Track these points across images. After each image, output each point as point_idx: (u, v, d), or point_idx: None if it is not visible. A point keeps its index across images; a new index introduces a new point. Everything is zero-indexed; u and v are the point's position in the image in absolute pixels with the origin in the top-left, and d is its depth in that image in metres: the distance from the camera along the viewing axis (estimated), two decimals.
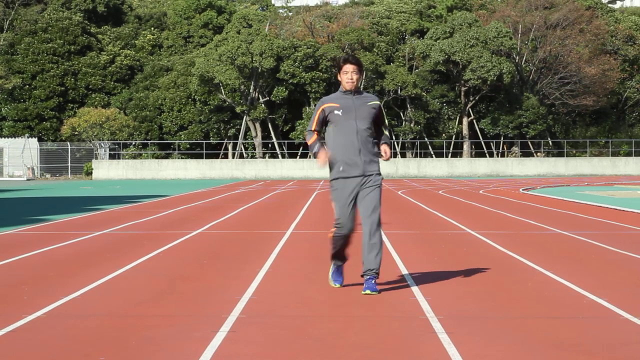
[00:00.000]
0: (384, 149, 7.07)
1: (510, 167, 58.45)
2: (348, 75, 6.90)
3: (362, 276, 6.84)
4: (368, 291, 6.75)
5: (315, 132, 7.00)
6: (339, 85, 7.06)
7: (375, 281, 6.79)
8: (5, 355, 4.77)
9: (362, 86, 7.43)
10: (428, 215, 16.50)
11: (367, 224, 6.78)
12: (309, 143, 7.02)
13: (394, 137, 62.40)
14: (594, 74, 63.81)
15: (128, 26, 72.11)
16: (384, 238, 11.49)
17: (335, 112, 6.87)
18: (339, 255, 7.08)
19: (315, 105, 7.37)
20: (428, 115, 62.69)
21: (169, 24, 73.20)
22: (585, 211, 17.11)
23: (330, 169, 6.94)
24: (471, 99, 62.85)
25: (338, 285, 7.09)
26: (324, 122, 6.99)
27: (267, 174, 56.12)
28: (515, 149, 64.29)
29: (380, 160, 7.02)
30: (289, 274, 8.07)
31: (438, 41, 61.58)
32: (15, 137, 60.68)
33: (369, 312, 6.03)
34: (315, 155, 7.02)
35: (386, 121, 7.17)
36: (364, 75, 7.97)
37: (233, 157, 62.18)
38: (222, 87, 59.89)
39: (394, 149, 63.01)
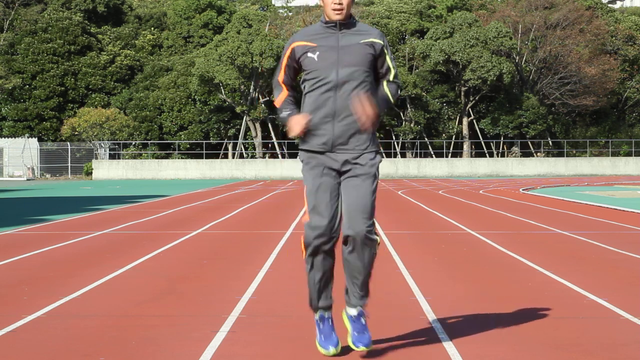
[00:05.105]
0: (362, 100, 4.50)
1: (510, 167, 58.44)
2: None
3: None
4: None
5: (284, 86, 4.67)
6: None
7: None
8: (5, 355, 4.77)
9: (356, 20, 4.56)
10: (428, 215, 16.50)
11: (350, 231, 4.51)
12: (275, 104, 4.70)
13: (394, 131, 62.23)
14: (594, 74, 63.82)
15: (128, 26, 72.09)
16: (385, 240, 11.47)
17: (309, 54, 4.52)
18: (320, 288, 4.75)
19: None
20: (428, 115, 62.69)
21: (169, 24, 73.19)
22: (585, 211, 17.11)
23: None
24: (471, 99, 62.85)
25: (333, 350, 4.68)
26: (296, 70, 4.65)
27: (267, 174, 56.11)
28: (515, 149, 64.29)
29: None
30: (289, 274, 8.06)
31: (438, 41, 61.59)
32: (15, 137, 60.68)
33: (369, 312, 6.02)
34: (283, 122, 4.64)
35: (391, 65, 4.71)
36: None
37: (233, 157, 62.17)
38: (222, 87, 59.89)
39: (394, 148, 63.01)
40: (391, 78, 4.70)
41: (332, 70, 4.50)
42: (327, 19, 4.55)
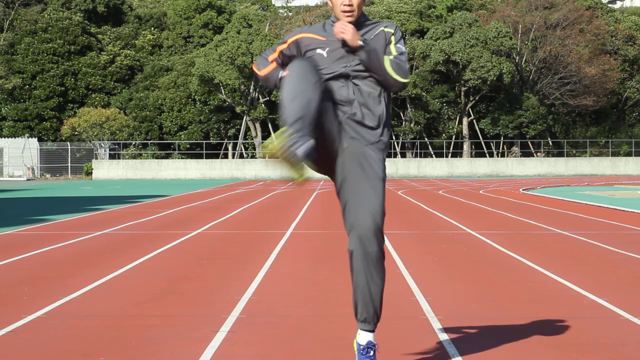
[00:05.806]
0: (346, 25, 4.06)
1: (510, 167, 58.44)
2: None
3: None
4: None
5: (274, 63, 4.20)
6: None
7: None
8: (5, 355, 4.77)
9: (367, 19, 4.14)
10: (428, 215, 16.50)
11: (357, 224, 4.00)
12: (260, 73, 4.20)
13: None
14: (594, 74, 63.81)
15: (128, 26, 72.09)
16: (386, 240, 11.46)
17: (319, 51, 4.09)
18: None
19: None
20: (428, 115, 62.69)
21: (169, 24, 73.18)
22: (585, 211, 17.11)
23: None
24: (471, 99, 62.85)
25: None
26: (291, 59, 4.14)
27: (267, 174, 56.11)
28: (515, 149, 64.29)
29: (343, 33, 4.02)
30: (289, 274, 8.06)
31: (438, 41, 61.59)
32: (15, 137, 60.68)
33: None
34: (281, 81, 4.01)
35: (393, 50, 4.13)
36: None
37: (233, 157, 62.18)
38: (222, 87, 59.90)
39: (394, 148, 63.01)
40: (395, 49, 4.10)
41: (341, 64, 4.05)
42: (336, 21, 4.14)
